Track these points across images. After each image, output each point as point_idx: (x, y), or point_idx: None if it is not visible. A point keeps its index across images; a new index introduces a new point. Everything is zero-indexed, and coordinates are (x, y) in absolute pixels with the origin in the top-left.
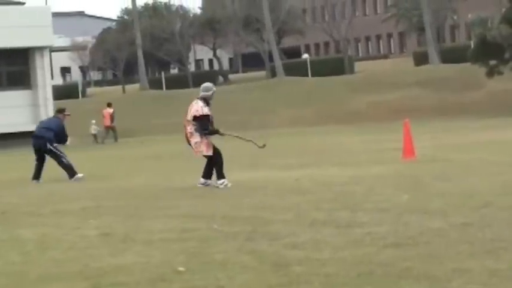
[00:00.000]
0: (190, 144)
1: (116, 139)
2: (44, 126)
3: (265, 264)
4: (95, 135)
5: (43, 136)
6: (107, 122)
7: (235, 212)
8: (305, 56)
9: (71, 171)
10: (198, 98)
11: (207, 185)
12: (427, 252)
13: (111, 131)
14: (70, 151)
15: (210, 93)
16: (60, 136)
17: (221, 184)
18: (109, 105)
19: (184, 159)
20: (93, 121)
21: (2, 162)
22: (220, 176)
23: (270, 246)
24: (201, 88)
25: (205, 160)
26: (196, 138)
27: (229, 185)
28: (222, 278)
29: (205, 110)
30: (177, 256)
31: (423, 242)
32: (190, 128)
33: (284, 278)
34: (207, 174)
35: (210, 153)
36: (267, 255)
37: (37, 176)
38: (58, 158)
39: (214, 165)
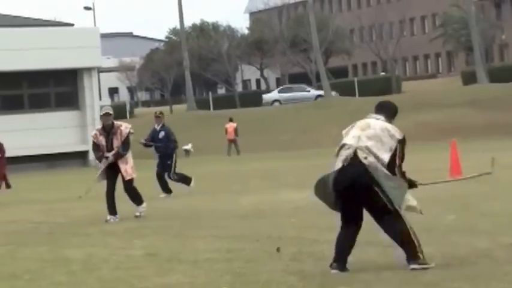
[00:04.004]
0: None
1: (238, 152)
2: None
3: (311, 285)
4: (186, 150)
5: None
6: (231, 136)
7: (280, 232)
8: (382, 74)
9: None
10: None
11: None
12: (474, 272)
13: (233, 145)
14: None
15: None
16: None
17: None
18: (231, 120)
19: (232, 179)
20: (190, 144)
21: (50, 183)
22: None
23: (315, 266)
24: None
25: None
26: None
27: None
28: None
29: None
30: (223, 276)
31: (470, 262)
32: None
33: None
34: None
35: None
36: (312, 276)
37: None
38: None
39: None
